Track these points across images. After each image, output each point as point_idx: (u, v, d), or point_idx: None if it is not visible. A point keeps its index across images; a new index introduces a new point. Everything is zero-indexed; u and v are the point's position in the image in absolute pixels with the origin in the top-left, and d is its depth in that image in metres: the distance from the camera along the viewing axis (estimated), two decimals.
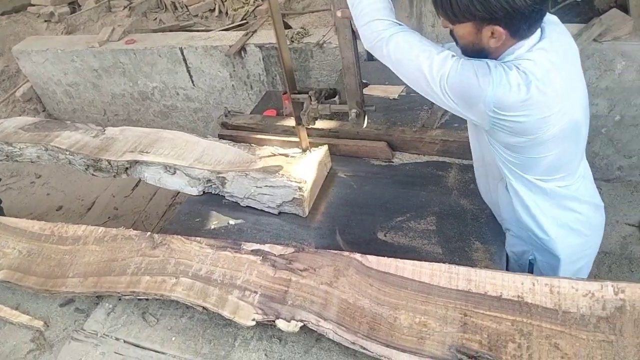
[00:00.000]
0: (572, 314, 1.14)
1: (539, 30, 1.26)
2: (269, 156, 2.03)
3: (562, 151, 1.36)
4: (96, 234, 1.73)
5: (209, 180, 2.02)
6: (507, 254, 1.70)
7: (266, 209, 1.92)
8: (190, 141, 2.19)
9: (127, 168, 2.17)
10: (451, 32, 1.35)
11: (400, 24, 1.41)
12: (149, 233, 1.68)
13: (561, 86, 1.24)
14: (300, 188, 1.83)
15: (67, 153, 2.24)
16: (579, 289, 1.17)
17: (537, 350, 1.11)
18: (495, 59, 1.29)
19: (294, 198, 1.84)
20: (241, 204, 1.97)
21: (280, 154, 2.04)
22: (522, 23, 1.19)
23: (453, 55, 1.27)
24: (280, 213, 1.92)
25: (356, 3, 1.42)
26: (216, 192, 2.04)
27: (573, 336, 1.11)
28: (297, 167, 1.93)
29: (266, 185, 1.89)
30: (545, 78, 1.21)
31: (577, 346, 1.10)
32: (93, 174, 2.25)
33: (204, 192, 2.06)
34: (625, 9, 3.61)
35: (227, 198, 2.01)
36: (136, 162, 2.14)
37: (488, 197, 1.72)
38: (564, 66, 1.28)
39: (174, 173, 2.09)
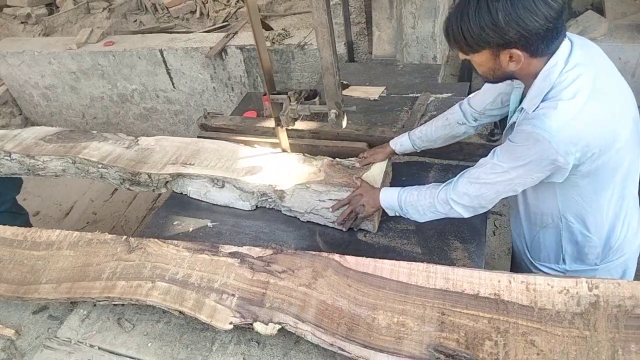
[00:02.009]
0: (547, 310, 1.15)
1: (566, 42, 1.22)
2: (329, 167, 1.89)
3: (634, 154, 1.34)
4: (70, 239, 1.69)
5: (264, 194, 1.89)
6: None
7: (330, 225, 1.79)
8: (237, 151, 2.06)
9: (167, 182, 2.04)
10: (469, 62, 1.33)
11: (439, 183, 1.49)
12: (124, 237, 1.64)
13: (610, 88, 1.23)
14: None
15: (100, 166, 2.08)
16: (554, 285, 1.18)
17: (513, 348, 1.12)
18: (523, 79, 1.29)
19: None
20: (301, 219, 1.83)
21: (340, 165, 1.90)
22: (539, 43, 1.17)
23: (498, 160, 1.29)
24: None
25: (415, 211, 1.53)
26: (271, 207, 1.91)
27: (549, 332, 1.12)
28: (364, 177, 1.80)
29: (330, 199, 1.75)
30: (594, 87, 1.18)
31: (552, 342, 1.10)
32: (129, 189, 2.10)
33: (256, 206, 1.93)
34: (600, 10, 3.68)
35: (284, 213, 1.87)
36: (179, 175, 2.00)
37: (520, 240, 1.69)
38: (603, 68, 1.26)
39: (223, 186, 1.95)
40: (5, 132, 2.44)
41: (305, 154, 1.99)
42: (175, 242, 1.57)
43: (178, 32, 4.70)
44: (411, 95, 2.45)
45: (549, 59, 1.21)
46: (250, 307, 1.35)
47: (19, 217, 2.94)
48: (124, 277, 1.52)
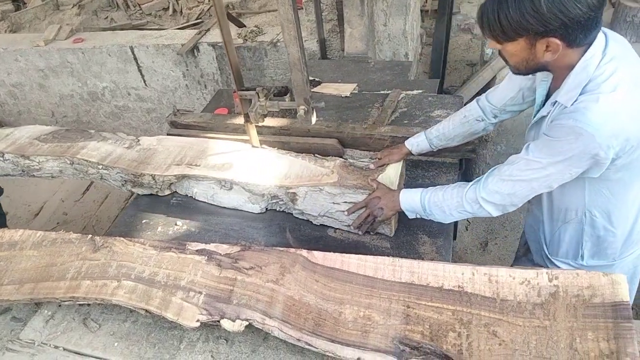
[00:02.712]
0: (509, 301, 1.17)
1: (600, 34, 1.20)
2: (341, 168, 1.82)
3: None
4: (34, 239, 1.65)
5: (274, 197, 1.82)
6: None
7: (345, 228, 1.74)
8: (245, 152, 2.00)
9: (171, 183, 1.97)
10: (500, 53, 1.30)
11: (465, 183, 1.45)
12: (90, 236, 1.61)
13: None
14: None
15: (100, 167, 2.00)
16: (516, 277, 1.20)
17: (476, 339, 1.14)
18: (555, 71, 1.27)
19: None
20: (314, 222, 1.78)
21: (353, 166, 1.84)
22: (578, 32, 1.13)
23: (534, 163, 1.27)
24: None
25: (440, 211, 1.48)
26: (281, 210, 1.85)
27: (510, 323, 1.14)
28: (379, 179, 1.73)
29: (345, 202, 1.70)
30: (632, 81, 1.18)
31: (514, 333, 1.13)
32: (131, 190, 2.03)
33: (266, 209, 1.87)
34: None
35: (296, 216, 1.82)
36: (184, 176, 1.93)
37: (537, 236, 1.69)
38: (636, 61, 1.25)
39: (231, 188, 1.87)
40: None
41: (316, 155, 1.94)
42: (142, 240, 1.55)
43: (150, 29, 4.63)
44: (382, 92, 2.47)
45: (585, 51, 1.19)
46: (218, 304, 1.34)
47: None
48: (89, 276, 1.50)
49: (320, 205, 1.73)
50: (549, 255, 1.64)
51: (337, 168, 1.81)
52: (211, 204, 1.94)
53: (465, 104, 1.83)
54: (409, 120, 2.17)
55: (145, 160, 2.00)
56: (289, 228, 1.79)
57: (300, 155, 1.94)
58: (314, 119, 1.79)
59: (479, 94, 3.06)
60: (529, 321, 1.14)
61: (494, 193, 1.37)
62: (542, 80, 1.42)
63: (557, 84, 1.31)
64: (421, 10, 4.15)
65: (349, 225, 1.71)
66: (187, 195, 1.98)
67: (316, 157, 1.91)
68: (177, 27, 4.81)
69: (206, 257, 1.45)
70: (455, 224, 1.69)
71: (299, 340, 1.23)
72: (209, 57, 3.65)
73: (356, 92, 2.53)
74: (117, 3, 5.64)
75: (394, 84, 2.55)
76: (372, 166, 1.82)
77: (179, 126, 2.32)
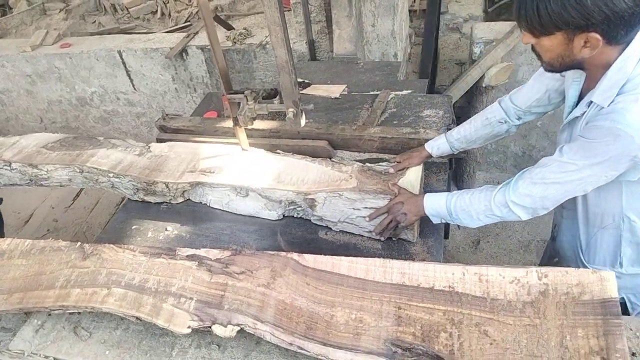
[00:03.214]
0: (499, 300, 1.17)
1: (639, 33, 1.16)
2: (360, 173, 1.79)
3: None
4: (22, 247, 1.63)
5: (292, 203, 1.79)
6: None
7: (366, 234, 1.70)
8: (260, 157, 1.97)
9: (184, 191, 1.94)
10: (532, 48, 1.27)
11: (494, 186, 1.41)
12: (79, 243, 1.60)
13: None
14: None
15: (111, 175, 1.97)
16: (505, 276, 1.20)
17: (467, 339, 1.14)
18: (590, 69, 1.23)
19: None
20: (333, 229, 1.74)
21: (372, 171, 1.80)
22: (620, 28, 1.10)
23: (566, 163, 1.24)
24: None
25: (467, 216, 1.46)
26: (299, 216, 1.82)
27: (501, 322, 1.14)
28: (400, 184, 1.70)
29: (365, 207, 1.66)
30: None
31: (504, 332, 1.13)
32: (143, 199, 1.99)
33: (283, 216, 1.83)
34: None
35: (315, 222, 1.78)
36: (198, 183, 1.90)
37: (572, 243, 1.64)
38: None
39: (247, 195, 1.85)
40: (2, 139, 2.29)
41: (333, 160, 1.91)
42: (132, 246, 1.54)
43: (138, 33, 4.61)
44: (372, 92, 2.47)
45: (623, 49, 1.16)
46: (209, 310, 1.33)
47: None
48: (78, 284, 1.48)
49: (340, 211, 1.70)
50: (585, 263, 1.59)
51: (355, 173, 1.78)
52: (224, 210, 1.91)
53: (454, 104, 1.83)
54: (398, 120, 2.17)
55: (157, 168, 1.97)
56: (280, 231, 1.79)
57: (316, 160, 1.90)
58: (303, 121, 1.79)
59: (467, 92, 3.08)
60: (520, 320, 1.14)
61: (525, 196, 1.33)
62: (574, 80, 1.39)
63: (591, 84, 1.28)
64: (409, 11, 4.17)
65: (370, 232, 1.67)
66: (200, 202, 1.95)
67: (333, 161, 1.88)
68: (166, 30, 4.79)
69: (197, 263, 1.45)
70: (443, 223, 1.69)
71: (291, 344, 1.23)
72: (197, 60, 3.64)
73: (346, 93, 2.53)
74: (104, 7, 5.60)
75: (383, 84, 2.55)
76: (391, 170, 1.78)
77: (168, 130, 2.31)
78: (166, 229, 1.85)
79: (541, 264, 2.04)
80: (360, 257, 1.37)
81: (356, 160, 1.98)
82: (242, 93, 1.79)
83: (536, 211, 1.36)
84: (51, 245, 1.62)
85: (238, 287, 1.36)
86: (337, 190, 1.70)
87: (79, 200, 4.10)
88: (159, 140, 2.25)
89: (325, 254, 1.41)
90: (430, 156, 1.82)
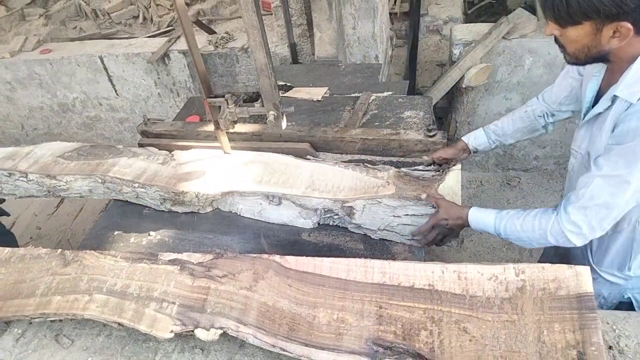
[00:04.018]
0: (478, 297, 1.19)
1: None
2: (397, 178, 1.73)
3: None
4: (1, 256, 1.62)
5: (328, 211, 1.73)
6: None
7: (408, 242, 1.66)
8: (290, 164, 1.90)
9: (213, 200, 1.88)
10: (556, 40, 1.25)
11: (545, 211, 1.36)
12: (59, 250, 1.59)
13: None
14: None
15: (136, 186, 1.90)
16: (484, 273, 1.22)
17: (447, 336, 1.15)
18: (615, 62, 1.20)
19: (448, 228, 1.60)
20: (372, 237, 1.70)
21: (409, 176, 1.75)
22: None
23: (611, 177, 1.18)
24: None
25: (518, 240, 1.42)
26: (335, 224, 1.76)
27: (480, 319, 1.16)
28: (440, 190, 1.66)
29: (407, 214, 1.63)
30: None
31: (483, 328, 1.15)
32: (170, 209, 1.92)
33: (318, 223, 1.78)
34: (533, 9, 3.86)
35: (352, 230, 1.73)
36: (228, 192, 1.84)
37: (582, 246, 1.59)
38: None
39: (280, 203, 1.79)
40: (15, 149, 2.21)
41: (366, 164, 1.87)
42: (113, 252, 1.53)
43: (120, 38, 4.57)
44: (353, 94, 2.49)
45: None
46: (191, 314, 1.33)
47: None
48: (59, 291, 1.47)
49: (380, 218, 1.66)
50: (593, 265, 1.58)
51: (392, 178, 1.74)
52: (257, 220, 1.85)
53: (435, 105, 1.85)
54: (380, 122, 2.19)
55: (184, 177, 1.92)
56: (264, 234, 1.79)
57: (349, 165, 1.86)
58: (284, 124, 1.80)
59: (448, 93, 3.12)
60: (498, 316, 1.16)
61: (579, 224, 1.27)
62: (594, 75, 1.35)
63: (612, 79, 1.25)
64: (390, 13, 4.20)
65: (411, 239, 1.65)
66: (230, 211, 1.89)
67: (367, 166, 1.84)
68: (148, 35, 4.76)
69: (179, 267, 1.44)
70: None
71: (273, 346, 1.23)
72: (180, 64, 3.63)
73: (327, 95, 2.54)
74: (85, 12, 5.54)
75: (364, 86, 2.57)
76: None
77: (150, 135, 2.30)
78: (149, 234, 1.84)
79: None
80: (343, 257, 1.38)
81: (390, 164, 1.93)
82: (223, 97, 1.79)
83: (595, 235, 1.30)
84: (31, 252, 1.60)
85: (220, 290, 1.36)
86: (375, 197, 1.66)
87: (63, 206, 4.05)
88: (141, 145, 2.24)
89: (308, 256, 1.42)
90: (466, 150, 1.79)
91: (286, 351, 1.22)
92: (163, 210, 1.94)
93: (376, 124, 2.19)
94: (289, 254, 1.43)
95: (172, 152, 2.08)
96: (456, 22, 4.12)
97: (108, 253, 1.54)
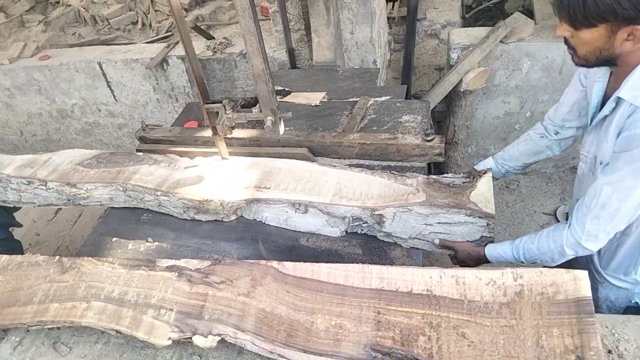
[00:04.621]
0: (476, 302, 1.19)
1: None
2: (427, 185, 1.70)
3: None
4: None
5: (357, 219, 1.68)
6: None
7: (439, 250, 1.64)
8: (315, 171, 1.86)
9: (237, 208, 1.84)
10: (566, 41, 1.24)
11: (555, 228, 1.39)
12: (57, 257, 1.59)
13: None
14: (488, 224, 1.56)
15: (159, 193, 1.86)
16: (482, 278, 1.22)
17: (445, 341, 1.15)
18: (622, 65, 1.20)
19: (482, 237, 1.57)
20: (403, 245, 1.66)
21: (439, 183, 1.71)
22: None
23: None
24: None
25: (539, 261, 1.43)
26: (363, 232, 1.72)
27: (478, 324, 1.16)
28: (472, 197, 1.61)
29: (439, 222, 1.59)
30: None
31: (482, 333, 1.15)
32: (193, 218, 1.88)
33: (346, 232, 1.73)
34: (531, 13, 3.87)
35: (381, 238, 1.69)
36: (253, 200, 1.80)
37: None
38: None
39: (306, 211, 1.75)
40: (34, 157, 2.20)
41: (393, 172, 1.83)
42: (111, 259, 1.53)
43: (119, 44, 4.58)
44: (351, 99, 2.49)
45: None
46: (189, 321, 1.33)
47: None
48: (57, 299, 1.47)
49: (412, 227, 1.62)
50: (598, 268, 1.58)
51: (421, 185, 1.70)
52: (284, 228, 1.81)
53: (434, 109, 1.85)
54: (378, 126, 2.19)
55: (208, 184, 1.89)
56: (262, 239, 1.79)
57: (376, 172, 1.83)
58: (281, 129, 1.80)
59: (446, 97, 3.12)
60: (496, 321, 1.16)
61: (595, 233, 1.30)
62: (597, 80, 1.36)
63: (617, 82, 1.25)
64: (388, 18, 4.21)
65: (442, 248, 1.65)
66: (255, 219, 1.86)
67: (394, 173, 1.81)
68: (147, 41, 4.77)
69: (176, 274, 1.44)
70: None
71: (271, 352, 1.23)
72: (178, 70, 3.64)
73: (325, 100, 2.54)
74: (84, 18, 5.56)
75: (362, 91, 2.57)
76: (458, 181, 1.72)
77: (148, 141, 2.30)
78: (147, 241, 1.84)
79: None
80: (342, 263, 1.38)
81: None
82: (220, 102, 1.79)
83: (611, 236, 1.33)
84: (29, 260, 1.60)
85: (218, 296, 1.36)
86: (406, 205, 1.62)
87: (61, 213, 4.05)
88: (139, 151, 2.24)
89: (306, 261, 1.41)
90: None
91: (284, 357, 1.21)
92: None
93: (374, 128, 2.19)
94: (287, 260, 1.43)
95: (193, 159, 2.06)
96: (454, 26, 4.13)
97: (106, 260, 1.53)
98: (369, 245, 1.68)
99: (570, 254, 1.38)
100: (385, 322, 1.21)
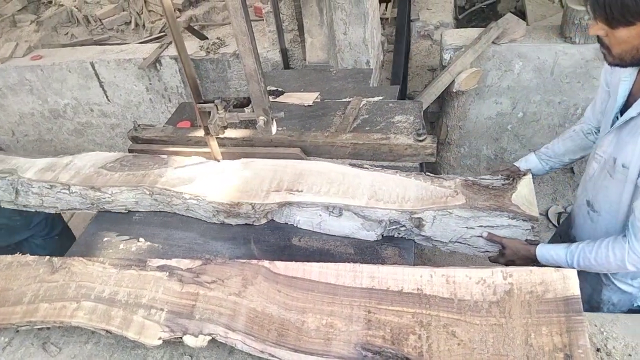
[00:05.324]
0: (466, 301, 1.20)
1: None
2: (465, 187, 1.66)
3: None
4: None
5: (394, 222, 1.64)
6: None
7: (482, 254, 1.60)
8: (348, 173, 1.81)
9: (268, 212, 1.79)
10: (599, 40, 1.23)
11: (614, 240, 1.37)
12: (47, 257, 1.58)
13: None
14: (533, 227, 1.53)
15: (188, 197, 1.83)
16: (472, 277, 1.23)
17: (435, 340, 1.15)
18: None
19: (527, 240, 1.54)
20: (442, 249, 1.64)
21: (478, 185, 1.67)
22: None
23: None
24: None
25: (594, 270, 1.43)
26: (400, 236, 1.67)
27: (468, 322, 1.16)
28: (514, 200, 1.58)
29: (480, 225, 1.56)
30: None
31: (471, 332, 1.15)
32: (224, 222, 1.82)
33: (382, 235, 1.68)
34: (523, 14, 3.89)
35: (420, 242, 1.66)
36: (286, 203, 1.75)
37: None
38: None
39: (340, 215, 1.71)
40: (53, 159, 2.16)
41: (427, 173, 1.79)
42: (101, 259, 1.53)
43: (112, 44, 4.56)
44: (344, 99, 2.49)
45: None
46: (180, 320, 1.33)
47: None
48: (47, 299, 1.46)
49: (452, 230, 1.59)
50: (608, 274, 1.59)
51: (460, 188, 1.67)
52: (315, 231, 1.77)
53: (427, 109, 1.84)
54: (370, 127, 2.20)
55: (237, 188, 1.85)
56: (254, 239, 1.78)
57: (411, 174, 1.78)
58: (274, 129, 1.80)
59: (439, 98, 3.13)
60: (486, 319, 1.16)
61: None
62: (623, 79, 1.35)
63: None
64: (381, 18, 4.22)
65: (485, 252, 1.61)
66: (286, 223, 1.81)
67: (429, 175, 1.76)
68: (140, 41, 4.75)
69: (167, 273, 1.44)
70: None
71: (262, 352, 1.23)
72: (171, 70, 3.63)
73: (318, 100, 2.54)
74: (77, 18, 5.53)
75: (355, 91, 2.58)
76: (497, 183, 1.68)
77: (140, 141, 2.29)
78: (138, 240, 1.83)
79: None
80: (333, 262, 1.38)
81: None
82: (213, 102, 1.79)
83: None
84: (18, 260, 1.59)
85: (209, 296, 1.36)
86: (445, 208, 1.58)
87: None
88: (131, 151, 2.24)
89: (299, 261, 1.41)
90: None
91: (275, 357, 1.22)
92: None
93: (367, 128, 2.19)
94: (279, 259, 1.43)
95: (220, 162, 2.01)
96: (447, 27, 4.14)
97: (96, 260, 1.53)
98: (360, 245, 1.68)
99: (632, 270, 1.37)
100: (375, 321, 1.21)
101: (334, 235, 1.73)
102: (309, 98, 2.57)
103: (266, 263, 1.40)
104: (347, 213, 1.70)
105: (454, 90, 3.05)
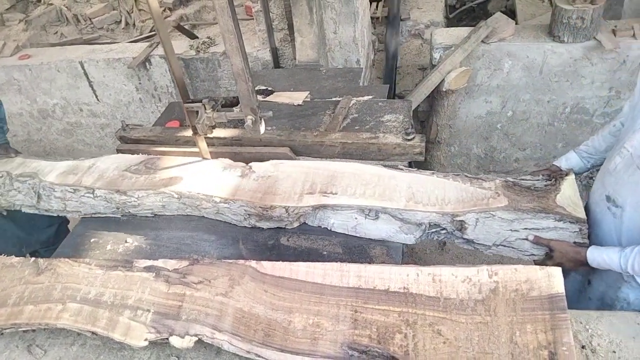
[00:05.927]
0: (452, 299, 1.20)
1: None
2: (506, 189, 1.61)
3: None
4: None
5: (434, 225, 1.59)
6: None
7: (527, 257, 1.55)
8: (383, 175, 1.75)
9: (301, 215, 1.73)
10: None
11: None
12: (32, 259, 1.56)
13: None
14: (581, 230, 1.49)
15: (218, 200, 1.77)
16: (458, 275, 1.23)
17: (421, 339, 1.16)
18: None
19: (575, 243, 1.48)
20: (485, 252, 1.60)
21: (519, 186, 1.62)
22: None
23: None
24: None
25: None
26: (440, 239, 1.64)
27: (453, 321, 1.17)
28: (559, 201, 1.54)
29: (525, 228, 1.51)
30: None
31: (457, 330, 1.15)
32: (255, 225, 1.77)
33: (421, 238, 1.65)
34: (514, 13, 3.90)
35: (459, 245, 1.62)
36: (320, 206, 1.69)
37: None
38: None
39: (377, 218, 1.65)
40: (75, 163, 2.10)
41: (466, 174, 1.74)
42: (87, 260, 1.52)
43: (102, 44, 4.53)
44: (334, 99, 2.49)
45: None
46: (166, 321, 1.32)
47: None
48: (32, 301, 1.45)
49: (496, 233, 1.54)
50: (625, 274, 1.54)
51: (501, 189, 1.62)
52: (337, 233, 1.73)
53: (417, 108, 1.82)
54: (360, 126, 2.20)
55: (269, 191, 1.78)
56: (242, 239, 1.78)
57: (449, 175, 1.73)
58: (262, 129, 1.79)
59: (429, 97, 3.14)
60: (471, 318, 1.17)
61: None
62: None
63: None
64: (371, 18, 4.23)
65: (531, 255, 1.55)
66: (319, 226, 1.75)
67: (468, 176, 1.71)
68: (130, 40, 4.72)
69: (154, 274, 1.43)
70: None
71: (248, 352, 1.23)
72: (161, 69, 3.61)
73: (308, 99, 2.54)
74: (66, 17, 5.49)
75: (345, 90, 2.58)
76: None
77: (128, 141, 2.28)
78: (126, 241, 1.82)
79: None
80: (322, 261, 1.38)
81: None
82: (200, 101, 1.78)
83: None
84: (3, 261, 1.58)
85: (196, 297, 1.35)
86: (488, 210, 1.54)
87: None
88: (119, 151, 2.22)
89: (287, 260, 1.41)
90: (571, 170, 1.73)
91: (261, 357, 1.21)
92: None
93: (356, 127, 2.19)
94: (267, 259, 1.43)
95: (249, 164, 1.97)
96: (438, 26, 4.15)
97: (82, 261, 1.52)
98: (349, 244, 1.68)
99: None
100: (362, 320, 1.21)
101: (362, 238, 1.68)
102: (298, 97, 2.56)
103: (253, 263, 1.40)
104: (384, 216, 1.64)
105: (444, 89, 3.06)
